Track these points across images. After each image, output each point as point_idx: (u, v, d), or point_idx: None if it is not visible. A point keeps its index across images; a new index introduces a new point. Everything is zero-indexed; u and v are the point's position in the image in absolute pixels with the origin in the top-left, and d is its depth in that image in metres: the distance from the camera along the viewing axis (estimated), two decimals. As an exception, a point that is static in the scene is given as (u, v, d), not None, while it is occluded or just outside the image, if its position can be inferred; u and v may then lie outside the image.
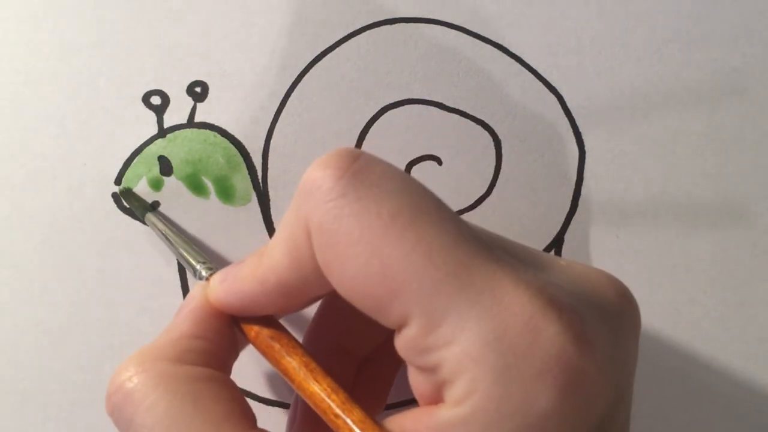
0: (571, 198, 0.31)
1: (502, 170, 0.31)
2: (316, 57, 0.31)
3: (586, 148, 0.31)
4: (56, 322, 0.30)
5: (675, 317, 0.31)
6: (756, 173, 0.31)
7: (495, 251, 0.19)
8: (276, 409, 0.31)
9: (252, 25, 0.31)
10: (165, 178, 0.30)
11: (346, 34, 0.31)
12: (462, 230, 0.19)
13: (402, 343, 0.19)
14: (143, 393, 0.20)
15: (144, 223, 0.30)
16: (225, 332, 0.23)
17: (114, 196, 0.30)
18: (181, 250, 0.28)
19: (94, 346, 0.30)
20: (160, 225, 0.29)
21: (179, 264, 0.30)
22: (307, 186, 0.20)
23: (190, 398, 0.20)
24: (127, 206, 0.30)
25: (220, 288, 0.23)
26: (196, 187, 0.31)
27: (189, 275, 0.30)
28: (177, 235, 0.29)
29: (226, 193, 0.31)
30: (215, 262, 0.30)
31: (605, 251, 0.31)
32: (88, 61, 0.31)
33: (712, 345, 0.31)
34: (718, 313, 0.31)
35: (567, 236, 0.31)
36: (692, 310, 0.31)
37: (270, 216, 0.31)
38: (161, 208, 0.30)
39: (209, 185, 0.31)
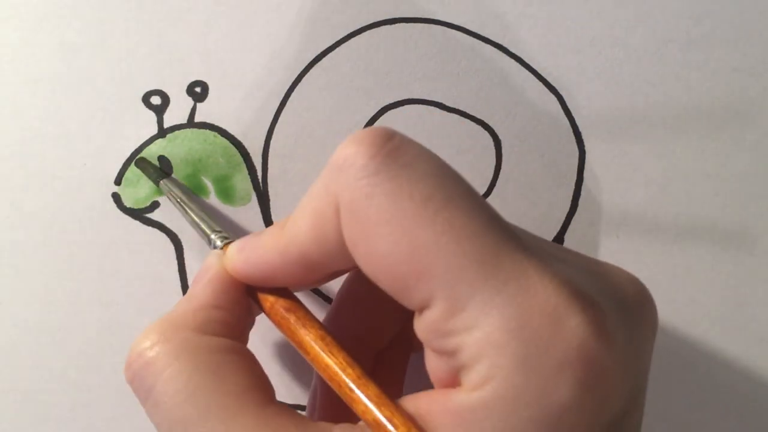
0: (571, 198, 0.31)
1: (502, 170, 0.31)
2: (316, 57, 0.31)
3: (586, 148, 0.31)
4: (56, 322, 0.30)
5: (675, 317, 0.31)
6: (756, 173, 0.31)
7: (522, 240, 0.19)
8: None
9: (252, 25, 0.31)
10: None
11: (346, 34, 0.31)
12: (492, 217, 0.19)
13: (423, 325, 0.19)
14: (165, 362, 0.20)
15: (158, 188, 0.30)
16: (242, 302, 0.23)
17: (114, 196, 0.30)
18: (196, 218, 0.27)
19: (94, 346, 0.30)
20: (176, 191, 0.29)
21: (179, 264, 0.30)
22: (340, 161, 0.20)
23: (212, 368, 0.20)
24: (126, 207, 0.30)
25: (238, 257, 0.23)
26: (196, 187, 0.31)
27: (190, 275, 0.30)
28: (193, 202, 0.28)
29: (226, 193, 0.31)
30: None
31: (605, 251, 0.31)
32: (88, 61, 0.31)
33: (712, 345, 0.31)
34: (718, 313, 0.31)
35: (567, 236, 0.31)
36: (692, 310, 0.31)
37: (270, 216, 0.31)
38: (162, 208, 0.30)
39: (209, 185, 0.31)
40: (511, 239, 0.19)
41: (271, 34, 0.31)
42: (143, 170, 0.30)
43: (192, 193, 0.30)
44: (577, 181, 0.31)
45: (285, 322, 0.22)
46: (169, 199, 0.29)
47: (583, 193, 0.31)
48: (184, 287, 0.30)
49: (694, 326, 0.31)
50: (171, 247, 0.30)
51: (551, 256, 0.20)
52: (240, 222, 0.31)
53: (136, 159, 0.30)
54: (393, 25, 0.31)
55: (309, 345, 0.21)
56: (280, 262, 0.22)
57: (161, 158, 0.31)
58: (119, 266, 0.30)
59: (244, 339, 0.23)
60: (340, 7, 0.31)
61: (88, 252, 0.30)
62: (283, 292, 0.23)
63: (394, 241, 0.19)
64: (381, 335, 0.26)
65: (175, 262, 0.30)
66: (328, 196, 0.20)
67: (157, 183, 0.30)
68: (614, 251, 0.31)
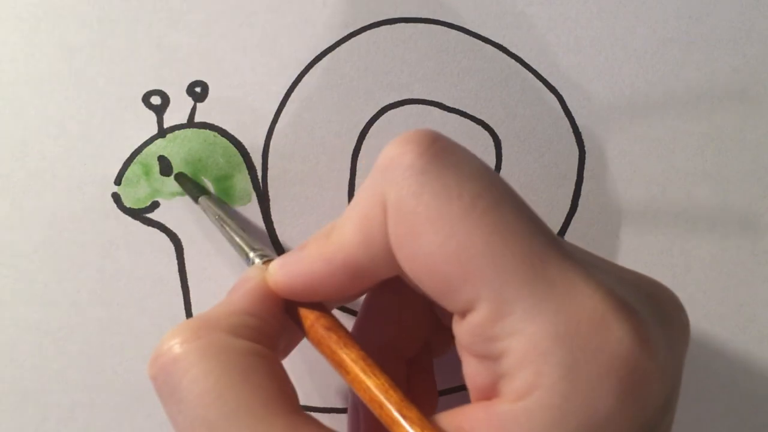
0: (571, 198, 0.31)
1: (502, 170, 0.31)
2: (316, 57, 0.31)
3: (586, 148, 0.31)
4: (56, 322, 0.30)
5: (675, 317, 0.31)
6: (756, 173, 0.31)
7: (567, 247, 0.19)
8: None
9: (252, 25, 0.31)
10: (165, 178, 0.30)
11: (346, 34, 0.31)
12: (538, 222, 0.19)
13: (466, 328, 0.19)
14: (195, 359, 0.20)
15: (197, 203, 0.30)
16: (278, 316, 0.23)
17: (114, 196, 0.30)
18: (235, 236, 0.27)
19: (94, 346, 0.30)
20: (214, 208, 0.29)
21: (179, 264, 0.30)
22: (387, 161, 0.20)
23: (242, 371, 0.20)
24: (126, 207, 0.30)
25: (280, 271, 0.22)
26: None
27: (190, 275, 0.30)
28: (231, 219, 0.28)
29: (226, 193, 0.31)
30: (216, 262, 0.30)
31: (605, 251, 0.31)
32: (88, 61, 0.31)
33: (712, 345, 0.31)
34: (718, 313, 0.31)
35: (567, 236, 0.31)
36: (692, 310, 0.31)
37: (270, 216, 0.31)
38: (162, 208, 0.30)
39: (209, 185, 0.31)
40: (556, 245, 0.19)
41: (271, 34, 0.31)
42: (182, 185, 0.30)
43: (231, 209, 0.29)
44: (577, 181, 0.31)
45: (325, 341, 0.22)
46: (208, 217, 0.29)
47: (583, 193, 0.31)
48: (184, 287, 0.30)
49: (694, 326, 0.31)
50: (171, 247, 0.30)
51: (591, 264, 0.20)
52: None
53: (176, 174, 0.30)
54: (393, 25, 0.31)
55: (350, 365, 0.21)
56: (326, 270, 0.21)
57: (161, 158, 0.31)
58: (119, 266, 0.30)
59: (276, 351, 0.23)
60: (340, 7, 0.31)
61: (88, 252, 0.30)
62: (324, 312, 0.23)
63: (440, 240, 0.18)
64: (410, 344, 0.26)
65: (175, 262, 0.30)
66: (374, 196, 0.20)
67: (195, 200, 0.29)
68: (614, 251, 0.31)
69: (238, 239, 0.27)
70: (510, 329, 0.18)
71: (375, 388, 0.20)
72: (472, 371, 0.19)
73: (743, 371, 0.31)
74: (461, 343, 0.19)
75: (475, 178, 0.19)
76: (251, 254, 0.26)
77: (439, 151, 0.19)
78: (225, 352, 0.20)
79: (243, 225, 0.29)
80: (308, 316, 0.22)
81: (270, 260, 0.24)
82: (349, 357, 0.21)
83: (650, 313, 0.19)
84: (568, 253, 0.19)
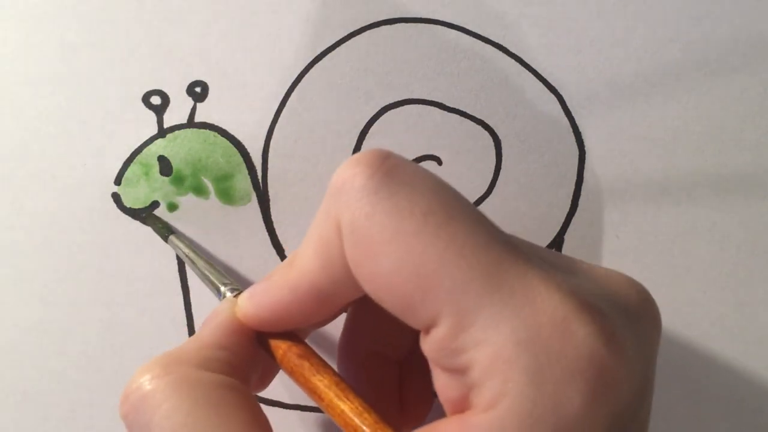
0: (571, 198, 0.31)
1: (502, 170, 0.31)
2: (316, 57, 0.31)
3: (586, 148, 0.31)
4: (56, 322, 0.30)
5: (675, 317, 0.31)
6: (756, 173, 0.31)
7: (525, 253, 0.19)
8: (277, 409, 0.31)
9: (252, 25, 0.31)
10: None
11: (346, 34, 0.31)
12: (492, 231, 0.19)
13: (430, 344, 0.19)
14: (164, 395, 0.20)
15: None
16: (250, 350, 0.23)
17: (114, 196, 0.30)
18: (206, 272, 0.27)
19: (94, 346, 0.30)
20: (183, 248, 0.29)
21: (179, 264, 0.30)
22: (338, 184, 0.20)
23: (213, 404, 0.20)
24: (126, 207, 0.30)
25: (249, 303, 0.23)
26: (196, 187, 0.31)
27: (190, 275, 0.30)
28: (200, 257, 0.28)
29: (226, 193, 0.31)
30: (216, 261, 0.30)
31: (605, 251, 0.31)
32: (88, 61, 0.31)
33: (712, 345, 0.31)
34: (718, 313, 0.31)
35: (567, 236, 0.31)
36: (692, 310, 0.31)
37: (270, 216, 0.31)
38: (162, 209, 0.31)
39: (209, 185, 0.31)
40: (513, 251, 0.19)
41: (271, 34, 0.31)
42: (152, 226, 0.30)
43: (200, 247, 0.30)
44: (577, 181, 0.31)
45: (298, 369, 0.22)
46: (178, 254, 0.30)
47: (583, 193, 0.31)
48: (184, 287, 0.30)
49: (694, 326, 0.31)
50: (171, 247, 0.30)
51: (553, 265, 0.20)
52: (240, 222, 0.31)
53: (144, 216, 0.30)
54: (393, 25, 0.31)
55: (324, 391, 0.21)
56: (293, 298, 0.21)
57: (161, 158, 0.31)
58: (119, 266, 0.30)
59: (248, 384, 0.23)
60: (340, 7, 0.31)
61: (88, 252, 0.30)
62: (295, 340, 0.23)
63: (397, 258, 0.18)
64: (399, 347, 0.26)
65: (175, 262, 0.30)
66: (329, 220, 0.20)
67: (165, 239, 0.30)
68: (614, 251, 0.31)
69: (209, 275, 0.27)
70: (473, 340, 0.18)
71: (349, 412, 0.20)
72: (443, 385, 0.19)
73: (743, 371, 0.31)
74: (429, 358, 0.19)
75: (426, 194, 0.19)
76: (222, 288, 0.26)
77: (390, 170, 0.19)
78: (195, 387, 0.20)
79: (211, 260, 0.29)
80: (280, 346, 0.23)
81: (240, 292, 0.24)
82: (322, 383, 0.21)
83: (616, 310, 0.19)
84: (526, 258, 0.19)
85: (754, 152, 0.31)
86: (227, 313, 0.23)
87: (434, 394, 0.28)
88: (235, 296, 0.25)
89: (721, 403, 0.31)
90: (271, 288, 0.22)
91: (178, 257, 0.30)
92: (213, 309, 0.24)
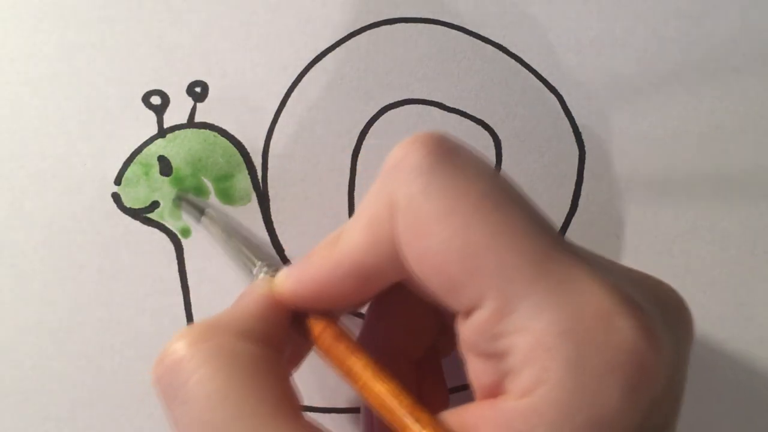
0: (571, 198, 0.31)
1: (502, 170, 0.31)
2: (316, 57, 0.31)
3: (586, 148, 0.31)
4: (56, 322, 0.30)
5: (675, 317, 0.31)
6: (756, 173, 0.31)
7: (571, 245, 0.19)
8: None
9: (252, 25, 0.31)
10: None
11: (346, 34, 0.31)
12: (543, 220, 0.19)
13: (471, 326, 0.19)
14: (201, 361, 0.20)
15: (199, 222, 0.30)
16: (285, 326, 0.23)
17: (114, 196, 0.30)
18: (243, 248, 0.27)
19: (94, 346, 0.30)
20: (215, 228, 0.29)
21: (179, 264, 0.30)
22: (394, 162, 0.20)
23: (249, 374, 0.20)
24: (126, 207, 0.30)
25: (288, 281, 0.23)
26: (196, 187, 0.31)
27: (190, 275, 0.30)
28: (233, 236, 0.28)
29: (226, 193, 0.31)
30: (216, 263, 0.30)
31: (605, 251, 0.31)
32: (88, 61, 0.31)
33: (712, 345, 0.31)
34: (718, 313, 0.31)
35: (567, 236, 0.31)
36: (692, 310, 0.31)
37: (270, 216, 0.31)
38: (162, 209, 0.30)
39: (209, 185, 0.31)
40: (562, 243, 0.19)
41: (271, 34, 0.31)
42: (183, 207, 0.30)
43: (233, 223, 0.30)
44: (577, 181, 0.31)
45: (334, 350, 0.22)
46: (210, 234, 0.29)
47: (583, 193, 0.31)
48: (184, 287, 0.30)
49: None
50: (171, 247, 0.30)
51: (596, 262, 0.20)
52: (240, 222, 0.31)
53: (175, 195, 0.30)
54: (393, 25, 0.31)
55: (360, 372, 0.21)
56: (334, 276, 0.21)
57: (161, 158, 0.31)
58: (119, 266, 0.30)
59: (281, 357, 0.23)
60: (340, 7, 0.31)
61: (88, 252, 0.30)
62: (332, 319, 0.23)
63: (447, 237, 0.18)
64: (417, 346, 0.26)
65: (175, 262, 0.30)
66: (382, 198, 0.20)
67: (197, 219, 0.30)
68: (614, 251, 0.31)
69: (246, 250, 0.27)
70: (515, 326, 0.18)
71: (386, 393, 0.20)
72: (477, 370, 0.19)
73: (743, 371, 0.31)
74: (466, 342, 0.19)
75: (482, 177, 0.19)
76: (258, 263, 0.26)
77: (446, 151, 0.20)
78: (232, 355, 0.20)
79: (248, 236, 0.29)
80: (316, 326, 0.23)
81: (277, 271, 0.24)
82: (359, 364, 0.21)
83: (655, 309, 0.19)
84: (572, 251, 0.19)
85: (754, 152, 0.31)
86: (264, 288, 0.23)
87: (449, 393, 0.28)
88: (271, 275, 0.25)
89: (721, 403, 0.31)
90: (313, 264, 0.22)
91: (178, 257, 0.30)
92: (249, 285, 0.24)
